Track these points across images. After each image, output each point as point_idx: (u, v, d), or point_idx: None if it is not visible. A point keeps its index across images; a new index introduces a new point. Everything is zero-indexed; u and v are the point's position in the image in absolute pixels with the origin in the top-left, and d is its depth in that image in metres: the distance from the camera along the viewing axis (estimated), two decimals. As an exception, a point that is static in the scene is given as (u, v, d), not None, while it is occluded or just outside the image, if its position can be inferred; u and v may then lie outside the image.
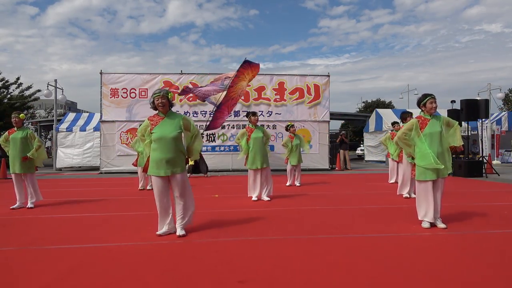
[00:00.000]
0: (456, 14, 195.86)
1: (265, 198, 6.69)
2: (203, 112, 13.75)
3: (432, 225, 4.43)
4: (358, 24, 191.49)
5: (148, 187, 8.55)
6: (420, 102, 4.57)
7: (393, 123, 9.14)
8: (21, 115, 6.20)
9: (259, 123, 7.19)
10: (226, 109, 10.81)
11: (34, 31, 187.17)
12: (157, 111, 4.19)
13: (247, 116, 7.00)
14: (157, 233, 4.13)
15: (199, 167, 11.79)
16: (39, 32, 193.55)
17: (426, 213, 4.44)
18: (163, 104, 4.07)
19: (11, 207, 5.99)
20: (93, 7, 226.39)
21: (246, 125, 13.45)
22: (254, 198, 6.68)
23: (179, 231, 4.13)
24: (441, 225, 4.41)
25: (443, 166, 4.36)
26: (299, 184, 9.05)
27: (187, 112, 13.55)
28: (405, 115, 7.18)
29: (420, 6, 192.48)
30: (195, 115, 13.71)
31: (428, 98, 4.49)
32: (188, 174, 11.56)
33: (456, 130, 4.58)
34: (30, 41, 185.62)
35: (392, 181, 9.26)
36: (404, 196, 6.93)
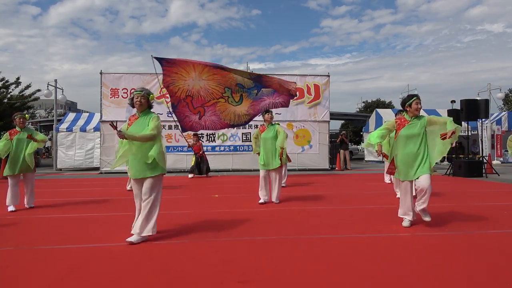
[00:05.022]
0: (458, 14, 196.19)
1: (274, 201, 6.37)
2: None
3: (412, 223, 4.55)
4: (360, 24, 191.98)
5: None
6: (405, 103, 4.55)
7: None
8: (26, 115, 6.21)
9: (258, 123, 7.12)
10: (186, 108, 9.94)
11: (36, 31, 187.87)
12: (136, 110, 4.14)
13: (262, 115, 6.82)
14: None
15: (203, 167, 11.75)
16: (41, 32, 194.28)
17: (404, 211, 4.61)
18: (140, 102, 4.03)
19: (10, 210, 5.84)
20: (95, 7, 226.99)
21: (253, 125, 13.63)
22: (261, 201, 6.34)
23: (132, 238, 3.83)
24: (425, 218, 4.42)
25: None
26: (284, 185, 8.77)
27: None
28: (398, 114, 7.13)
29: (422, 6, 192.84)
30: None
31: (414, 99, 4.49)
32: (191, 175, 11.58)
33: (450, 122, 4.38)
34: (32, 41, 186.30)
35: (387, 180, 9.23)
36: (397, 196, 6.87)
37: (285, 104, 10.29)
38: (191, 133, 11.72)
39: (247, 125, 13.78)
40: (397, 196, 6.84)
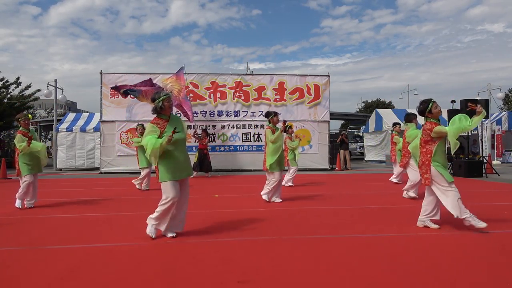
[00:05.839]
0: (458, 14, 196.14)
1: (277, 200, 6.53)
2: (203, 112, 13.75)
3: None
4: (361, 24, 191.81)
5: (143, 187, 8.41)
6: (425, 110, 4.34)
7: (394, 124, 9.09)
8: (29, 115, 6.30)
9: (258, 123, 7.08)
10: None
11: (36, 31, 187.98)
12: (155, 115, 4.08)
13: (267, 116, 6.60)
14: (153, 235, 4.01)
15: (205, 164, 11.77)
16: (41, 32, 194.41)
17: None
18: (171, 106, 4.10)
19: (18, 206, 5.98)
20: (95, 7, 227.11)
21: (253, 125, 13.65)
22: (267, 199, 6.51)
23: (171, 233, 4.07)
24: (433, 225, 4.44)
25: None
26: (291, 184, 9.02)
27: (187, 112, 13.52)
28: (410, 117, 6.91)
29: (422, 6, 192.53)
30: (195, 114, 13.68)
31: (432, 104, 4.32)
32: (194, 173, 11.58)
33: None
34: (32, 41, 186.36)
35: (396, 180, 9.16)
36: (404, 195, 6.89)
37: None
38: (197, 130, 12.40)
39: (247, 125, 13.82)
40: (411, 197, 6.77)
